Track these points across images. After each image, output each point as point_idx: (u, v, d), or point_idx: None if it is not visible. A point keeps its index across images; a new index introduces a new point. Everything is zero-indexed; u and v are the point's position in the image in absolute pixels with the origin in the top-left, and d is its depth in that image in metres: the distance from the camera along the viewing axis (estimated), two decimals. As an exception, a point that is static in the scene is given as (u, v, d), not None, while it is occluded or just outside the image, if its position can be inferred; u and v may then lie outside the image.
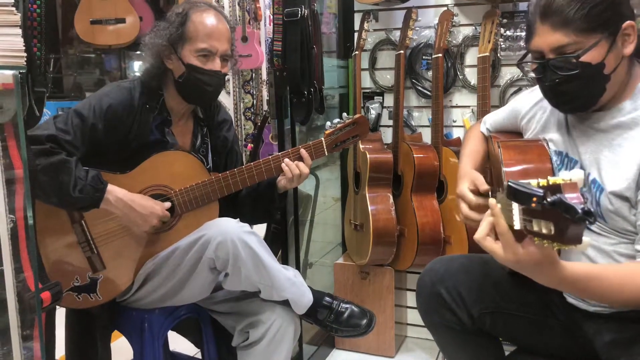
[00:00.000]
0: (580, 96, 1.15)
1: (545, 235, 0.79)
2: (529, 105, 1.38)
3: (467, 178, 1.35)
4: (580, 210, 0.73)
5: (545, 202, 0.76)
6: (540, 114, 1.34)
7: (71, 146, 1.42)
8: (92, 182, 1.40)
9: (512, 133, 1.44)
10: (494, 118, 1.51)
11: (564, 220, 0.75)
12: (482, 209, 1.26)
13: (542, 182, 0.80)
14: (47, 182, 1.35)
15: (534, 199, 0.78)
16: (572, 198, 0.75)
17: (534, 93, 1.37)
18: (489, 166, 1.48)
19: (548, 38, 1.12)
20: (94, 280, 1.48)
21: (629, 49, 1.13)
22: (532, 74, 1.21)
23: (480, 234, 0.98)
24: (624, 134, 1.14)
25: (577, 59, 1.10)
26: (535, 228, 0.81)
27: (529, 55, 1.20)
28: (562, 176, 0.79)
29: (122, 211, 1.44)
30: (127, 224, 1.47)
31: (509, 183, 0.83)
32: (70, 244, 1.47)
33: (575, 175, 0.79)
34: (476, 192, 1.30)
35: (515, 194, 0.82)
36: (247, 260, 1.41)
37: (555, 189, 0.77)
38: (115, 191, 1.43)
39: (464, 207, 1.30)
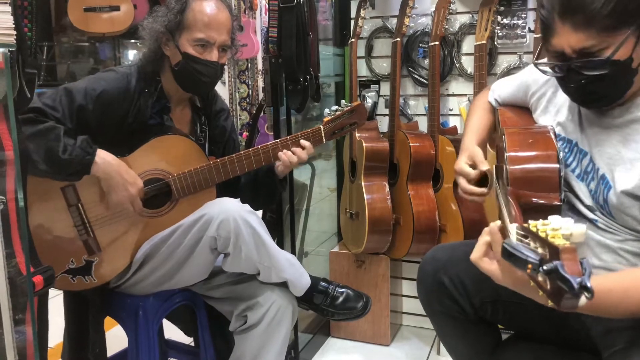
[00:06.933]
0: (608, 94, 1.08)
1: (540, 285, 0.75)
2: (540, 82, 1.30)
3: (466, 153, 1.33)
4: (576, 286, 0.69)
5: (541, 270, 0.72)
6: (551, 93, 1.28)
7: (59, 123, 1.39)
8: (82, 145, 1.37)
9: (521, 108, 1.37)
10: (503, 91, 1.43)
11: (560, 287, 0.71)
12: (481, 182, 1.27)
13: (542, 228, 0.75)
14: (35, 150, 1.32)
15: (529, 265, 0.74)
16: (570, 268, 0.70)
17: None
18: (496, 137, 1.41)
19: (570, 39, 1.02)
20: (89, 262, 1.48)
21: None
22: (551, 72, 1.11)
23: (476, 255, 0.96)
24: None
25: (607, 60, 1.01)
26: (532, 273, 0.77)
27: (546, 52, 1.10)
28: (563, 229, 0.74)
29: (106, 174, 1.41)
30: (106, 189, 1.44)
31: (504, 244, 0.79)
32: (67, 227, 1.46)
33: (576, 230, 0.74)
34: (474, 168, 1.29)
35: (510, 257, 0.78)
36: (248, 239, 1.40)
37: (554, 252, 0.72)
38: (103, 154, 1.41)
39: (463, 182, 1.28)
